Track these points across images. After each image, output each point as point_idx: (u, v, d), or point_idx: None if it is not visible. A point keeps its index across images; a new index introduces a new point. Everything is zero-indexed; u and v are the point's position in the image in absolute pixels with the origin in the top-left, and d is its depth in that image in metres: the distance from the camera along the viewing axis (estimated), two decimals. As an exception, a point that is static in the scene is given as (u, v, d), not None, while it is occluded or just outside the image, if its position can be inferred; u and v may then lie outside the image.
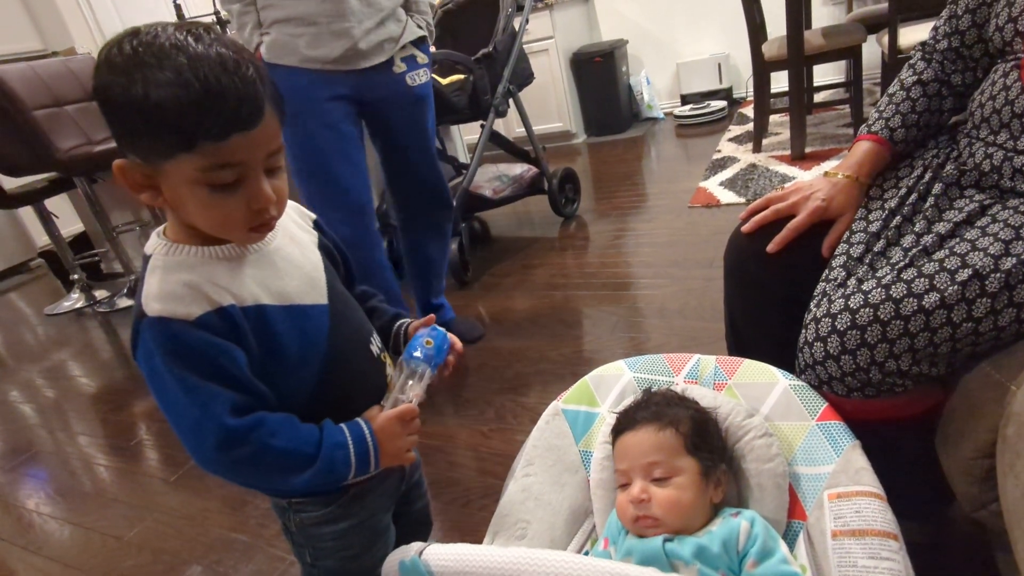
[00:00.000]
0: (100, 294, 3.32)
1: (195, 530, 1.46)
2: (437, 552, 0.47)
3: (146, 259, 0.62)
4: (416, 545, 0.50)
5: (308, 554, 0.77)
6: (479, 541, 1.06)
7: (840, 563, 0.61)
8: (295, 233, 0.73)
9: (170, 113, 0.51)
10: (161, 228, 0.64)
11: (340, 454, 0.64)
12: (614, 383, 0.88)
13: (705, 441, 0.72)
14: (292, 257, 0.69)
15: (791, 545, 0.69)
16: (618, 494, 0.73)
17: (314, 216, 0.79)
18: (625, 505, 0.70)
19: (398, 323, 0.85)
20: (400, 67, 1.64)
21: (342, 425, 0.66)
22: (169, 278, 0.59)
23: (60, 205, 3.41)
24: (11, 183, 2.92)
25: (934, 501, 0.96)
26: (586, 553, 0.76)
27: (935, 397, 0.79)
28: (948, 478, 0.77)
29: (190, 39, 0.53)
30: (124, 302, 3.17)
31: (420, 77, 1.68)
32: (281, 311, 0.64)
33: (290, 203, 0.73)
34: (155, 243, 0.62)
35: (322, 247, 0.76)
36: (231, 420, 0.58)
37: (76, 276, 3.31)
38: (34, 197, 3.03)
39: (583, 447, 0.84)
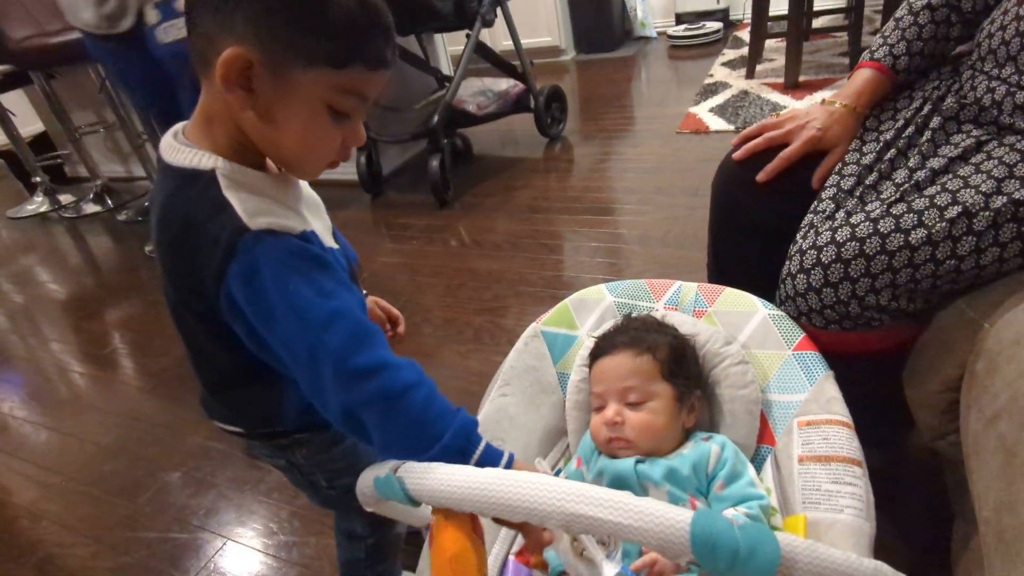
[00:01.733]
0: (65, 199, 3.19)
1: (173, 438, 1.47)
2: (412, 470, 0.47)
3: (189, 173, 0.54)
4: (391, 463, 0.50)
5: (322, 479, 0.76)
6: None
7: (804, 486, 0.63)
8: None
9: (345, 27, 0.50)
10: (180, 133, 0.56)
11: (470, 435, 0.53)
12: (594, 307, 0.87)
13: (681, 368, 0.73)
14: (313, 196, 0.66)
15: (758, 469, 0.71)
16: (593, 416, 0.74)
17: None
18: (599, 427, 0.71)
19: None
20: (153, 17, 1.38)
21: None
22: (254, 195, 0.54)
23: (17, 102, 3.21)
24: (-39, 76, 2.72)
25: (894, 429, 1.00)
26: (559, 471, 0.78)
27: (909, 332, 0.80)
28: (912, 409, 0.80)
29: None
30: (91, 208, 3.06)
31: (178, 30, 1.36)
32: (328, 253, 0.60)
33: None
34: (204, 158, 0.54)
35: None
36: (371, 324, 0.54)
37: (38, 179, 3.17)
38: (-13, 92, 2.85)
39: (560, 369, 0.85)
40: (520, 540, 0.71)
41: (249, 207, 0.52)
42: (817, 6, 3.32)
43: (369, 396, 0.50)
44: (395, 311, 0.88)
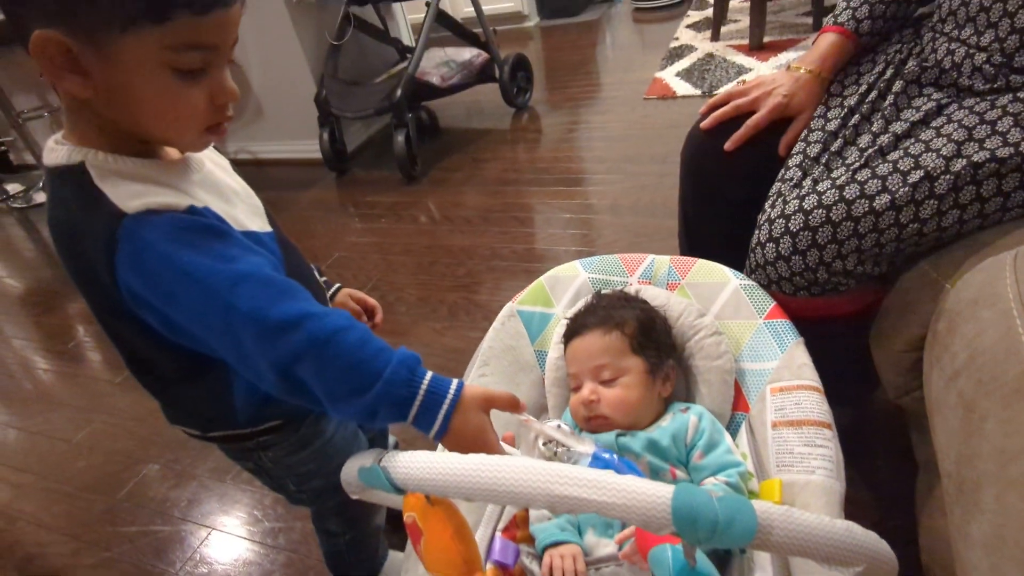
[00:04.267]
0: (13, 188, 3.06)
1: (147, 430, 1.45)
2: (397, 460, 0.47)
3: (61, 171, 0.50)
4: (375, 452, 0.50)
5: (291, 483, 0.74)
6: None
7: (778, 450, 0.65)
8: (216, 159, 0.63)
9: None
10: (60, 135, 0.53)
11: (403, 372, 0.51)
12: (569, 284, 0.88)
13: (651, 340, 0.74)
14: (227, 183, 0.61)
15: (734, 435, 0.73)
16: (571, 396, 0.75)
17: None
18: (577, 406, 0.72)
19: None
20: None
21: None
22: (130, 180, 0.50)
23: (-47, 87, 3.05)
24: None
25: (860, 387, 1.04)
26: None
27: (874, 295, 0.82)
28: (877, 369, 0.83)
29: None
30: (41, 196, 2.94)
31: None
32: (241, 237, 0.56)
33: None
34: (73, 153, 0.50)
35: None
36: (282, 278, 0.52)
37: (-17, 168, 3.04)
38: (-80, 77, 2.69)
39: (538, 347, 0.85)
40: (506, 517, 0.72)
41: (122, 192, 0.49)
42: (778, -35, 3.30)
43: (297, 348, 0.48)
44: (371, 301, 0.86)
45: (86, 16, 0.44)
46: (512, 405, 0.56)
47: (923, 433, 0.81)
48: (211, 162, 0.61)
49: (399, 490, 0.48)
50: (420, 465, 0.45)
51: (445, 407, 0.51)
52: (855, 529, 0.43)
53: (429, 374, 0.52)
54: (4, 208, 2.97)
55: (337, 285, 0.83)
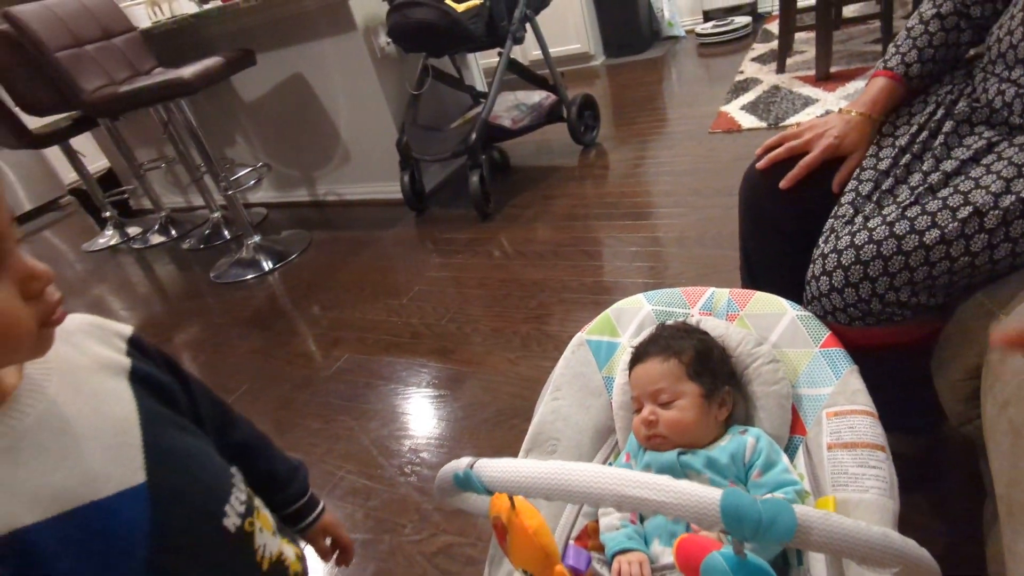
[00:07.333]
0: (133, 230, 3.43)
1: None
2: (486, 465, 0.56)
3: None
4: (467, 459, 0.59)
5: None
6: (514, 455, 1.17)
7: (833, 471, 0.70)
8: (84, 373, 0.49)
9: None
10: None
11: None
12: (634, 315, 0.95)
13: (706, 367, 0.81)
14: (77, 419, 0.45)
15: (792, 457, 0.78)
16: (634, 417, 0.82)
17: (128, 331, 0.55)
18: (638, 426, 0.80)
19: (304, 497, 0.71)
20: None
21: None
22: None
23: (84, 143, 3.48)
24: (34, 122, 2.94)
25: (928, 417, 1.05)
26: (609, 465, 0.86)
27: (932, 325, 0.85)
28: (939, 397, 0.85)
29: None
30: (157, 238, 3.29)
31: None
32: (56, 524, 0.41)
33: (85, 319, 0.53)
34: None
35: (140, 380, 0.52)
36: None
37: (108, 213, 3.42)
38: (59, 136, 3.08)
39: (606, 373, 0.93)
40: (579, 526, 0.80)
41: None
42: (847, -7, 3.29)
43: None
44: (346, 539, 0.76)
45: None
46: None
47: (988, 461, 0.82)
48: (66, 380, 0.46)
49: (488, 491, 0.57)
50: (507, 469, 0.54)
51: None
52: (892, 535, 0.48)
53: None
54: (124, 248, 3.33)
55: (320, 507, 0.73)
